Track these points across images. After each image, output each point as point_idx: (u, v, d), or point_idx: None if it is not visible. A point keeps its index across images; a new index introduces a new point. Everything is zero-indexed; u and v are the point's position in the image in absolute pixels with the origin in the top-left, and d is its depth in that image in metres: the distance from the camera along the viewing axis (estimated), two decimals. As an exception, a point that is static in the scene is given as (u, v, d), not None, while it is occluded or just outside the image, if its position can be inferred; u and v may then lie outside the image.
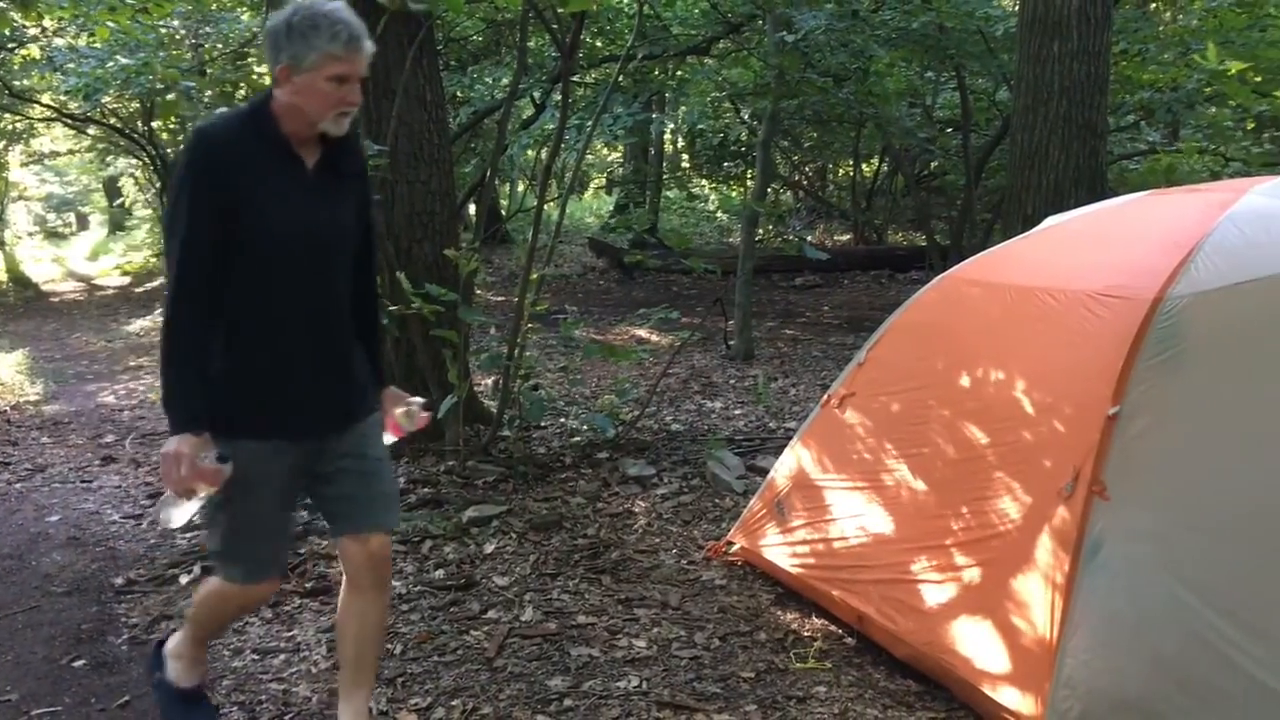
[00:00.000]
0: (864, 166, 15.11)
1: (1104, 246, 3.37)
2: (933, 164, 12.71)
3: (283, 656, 3.27)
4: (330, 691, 3.00)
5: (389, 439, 2.72)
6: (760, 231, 12.09)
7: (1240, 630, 2.45)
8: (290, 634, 3.43)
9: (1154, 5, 11.53)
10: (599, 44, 11.02)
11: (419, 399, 2.78)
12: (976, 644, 2.78)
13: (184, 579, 3.87)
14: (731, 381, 7.03)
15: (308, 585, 3.74)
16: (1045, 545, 2.71)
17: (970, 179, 9.94)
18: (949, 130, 11.41)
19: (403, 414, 2.73)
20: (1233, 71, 7.21)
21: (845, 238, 15.13)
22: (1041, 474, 2.83)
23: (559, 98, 5.38)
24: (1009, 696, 2.62)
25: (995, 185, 10.35)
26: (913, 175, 12.49)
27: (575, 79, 10.50)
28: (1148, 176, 6.52)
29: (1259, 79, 8.66)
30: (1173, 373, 2.70)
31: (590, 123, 6.16)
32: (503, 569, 3.87)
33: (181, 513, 2.39)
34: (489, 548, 4.05)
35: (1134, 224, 3.42)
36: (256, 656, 3.28)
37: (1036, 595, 2.67)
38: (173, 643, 2.82)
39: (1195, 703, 2.45)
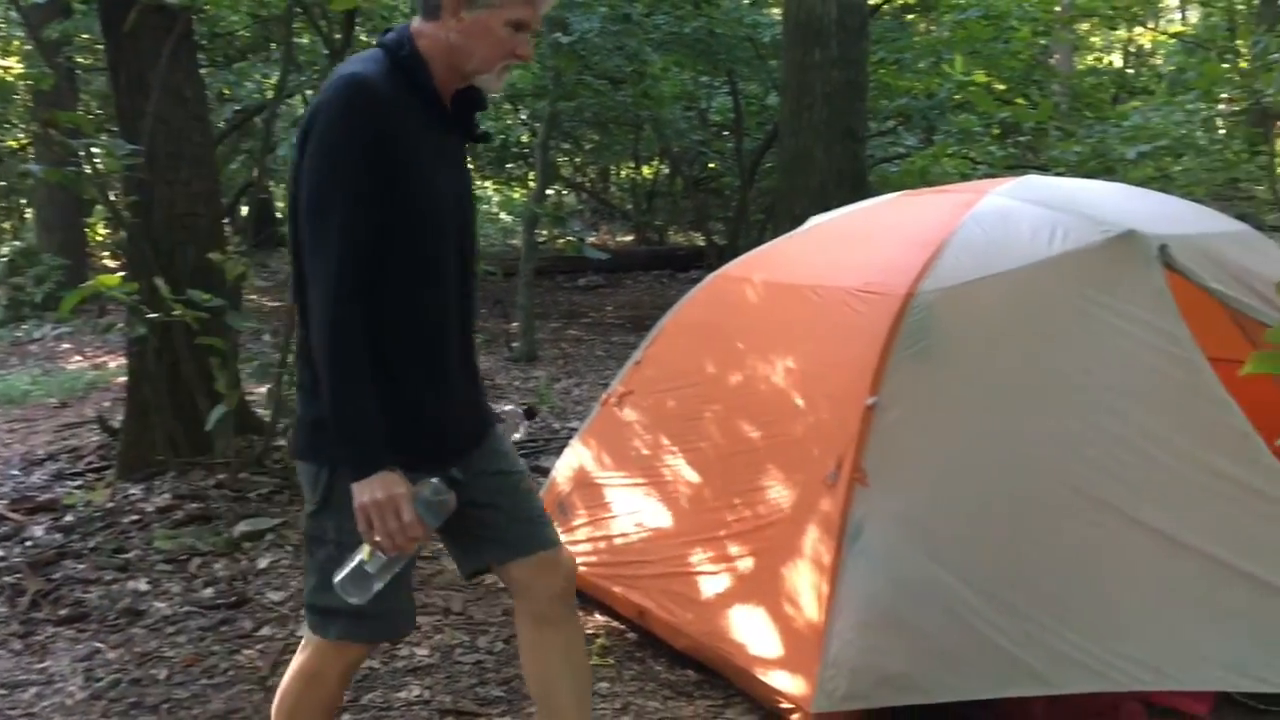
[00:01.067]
0: (644, 169, 15.35)
1: (862, 245, 3.54)
2: (710, 165, 13.04)
3: (34, 690, 3.06)
4: (87, 724, 2.83)
5: None
6: (543, 233, 12.10)
7: (991, 605, 2.62)
8: (43, 665, 3.21)
9: (910, 16, 12.19)
10: (373, 42, 10.77)
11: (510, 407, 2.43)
12: (750, 631, 2.87)
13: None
14: (515, 384, 7.01)
15: (61, 613, 3.51)
16: (812, 532, 2.82)
17: (744, 181, 10.25)
18: (724, 133, 11.73)
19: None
20: (979, 81, 7.74)
21: (628, 238, 15.34)
22: (808, 464, 2.94)
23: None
24: (781, 680, 2.71)
25: (768, 187, 10.70)
26: (691, 177, 12.78)
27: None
28: (904, 178, 6.91)
29: (1003, 87, 9.31)
30: (924, 364, 2.86)
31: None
32: (277, 584, 3.73)
33: (379, 578, 1.91)
34: (263, 562, 3.90)
35: (889, 223, 3.61)
36: (4, 691, 3.05)
37: (805, 581, 2.78)
38: None
39: (951, 675, 2.61)
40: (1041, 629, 2.59)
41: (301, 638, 3.29)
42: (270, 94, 9.66)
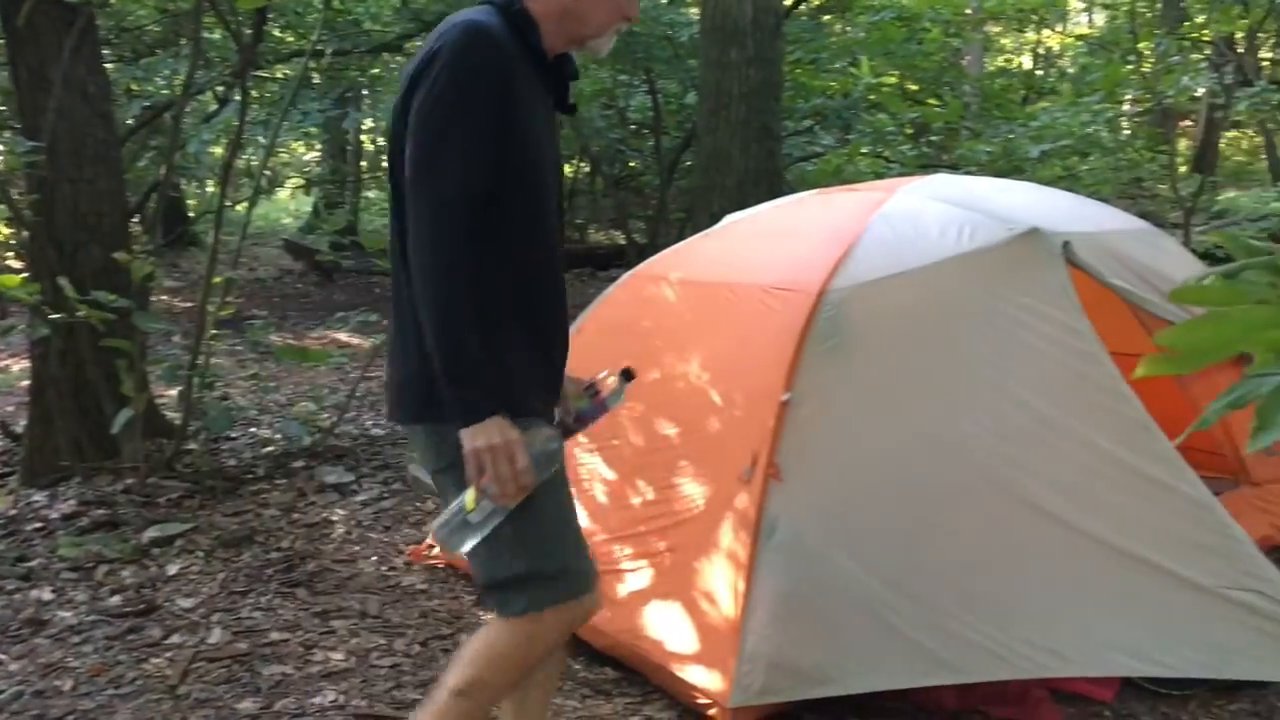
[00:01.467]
0: (564, 167, 15.33)
1: (775, 243, 3.57)
2: (631, 164, 13.05)
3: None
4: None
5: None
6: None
7: (901, 596, 2.66)
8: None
9: (826, 17, 12.33)
10: (288, 38, 10.60)
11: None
12: (668, 628, 2.88)
13: None
14: (434, 383, 6.94)
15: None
16: (728, 529, 2.84)
17: (663, 180, 10.28)
18: (643, 132, 11.76)
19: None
20: (890, 82, 7.86)
21: (548, 237, 15.28)
22: (725, 460, 2.96)
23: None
24: (698, 675, 2.72)
25: (688, 185, 10.75)
26: (611, 176, 12.78)
27: (264, 74, 10.06)
28: (819, 177, 7.00)
29: (916, 88, 9.47)
30: (835, 360, 2.90)
31: (277, 119, 5.91)
32: (188, 590, 3.65)
33: (480, 529, 1.86)
34: (172, 569, 3.81)
35: (802, 222, 3.65)
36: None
37: (721, 577, 2.80)
38: None
39: (865, 667, 2.65)
40: (951, 619, 2.65)
41: (212, 643, 3.25)
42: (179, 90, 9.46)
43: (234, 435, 5.45)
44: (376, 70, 10.79)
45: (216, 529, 4.15)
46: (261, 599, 3.59)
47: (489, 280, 1.90)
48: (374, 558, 3.96)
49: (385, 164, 2.11)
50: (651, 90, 10.15)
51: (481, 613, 3.47)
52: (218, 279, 4.91)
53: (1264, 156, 14.73)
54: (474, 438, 1.83)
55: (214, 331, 4.89)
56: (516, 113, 1.91)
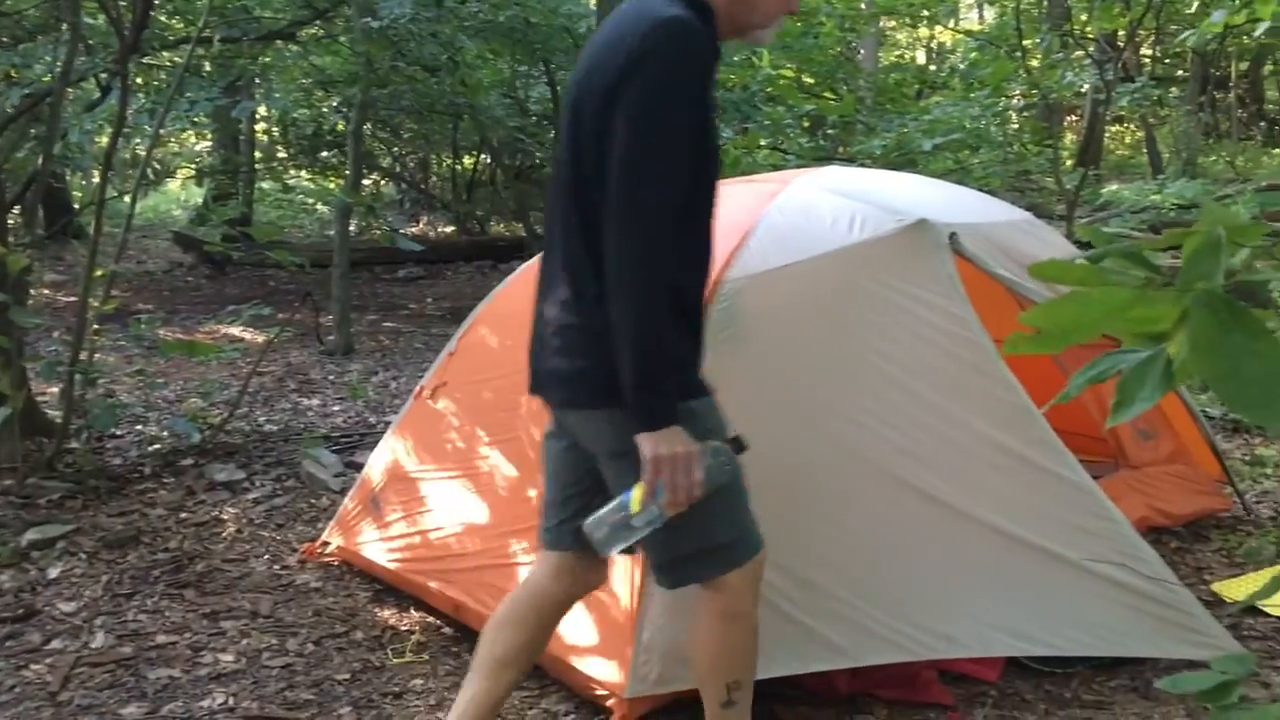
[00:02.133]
0: (465, 159, 15.19)
1: (672, 234, 3.58)
2: (536, 156, 12.99)
3: None
4: None
5: None
6: (364, 223, 11.82)
7: (794, 584, 2.69)
8: None
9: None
10: (176, 23, 10.30)
11: None
12: (566, 620, 2.86)
13: None
14: (330, 378, 6.83)
15: None
16: (625, 519, 2.84)
17: (564, 171, 10.23)
18: (545, 123, 11.71)
19: None
20: (788, 75, 7.94)
21: (448, 229, 15.14)
22: (621, 451, 2.96)
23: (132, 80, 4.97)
24: (596, 667, 2.72)
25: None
26: (512, 167, 12.71)
27: (151, 61, 9.75)
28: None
29: (812, 81, 9.58)
30: (732, 350, 2.91)
31: (163, 107, 5.73)
32: (69, 593, 3.53)
33: (638, 533, 1.93)
34: (53, 572, 3.68)
35: (697, 213, 3.66)
36: None
37: (618, 568, 2.79)
38: None
39: (759, 654, 2.66)
40: (843, 605, 2.69)
41: (95, 648, 3.14)
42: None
43: (119, 433, 5.29)
44: (268, 59, 10.54)
45: (100, 530, 4.02)
46: (147, 601, 3.49)
47: (673, 280, 1.95)
48: (266, 556, 3.88)
49: (560, 145, 2.12)
50: (551, 82, 10.11)
51: (376, 609, 3.42)
52: (100, 272, 4.76)
53: (1145, 150, 15.28)
54: (656, 444, 1.87)
55: (97, 326, 4.74)
56: (712, 107, 1.98)
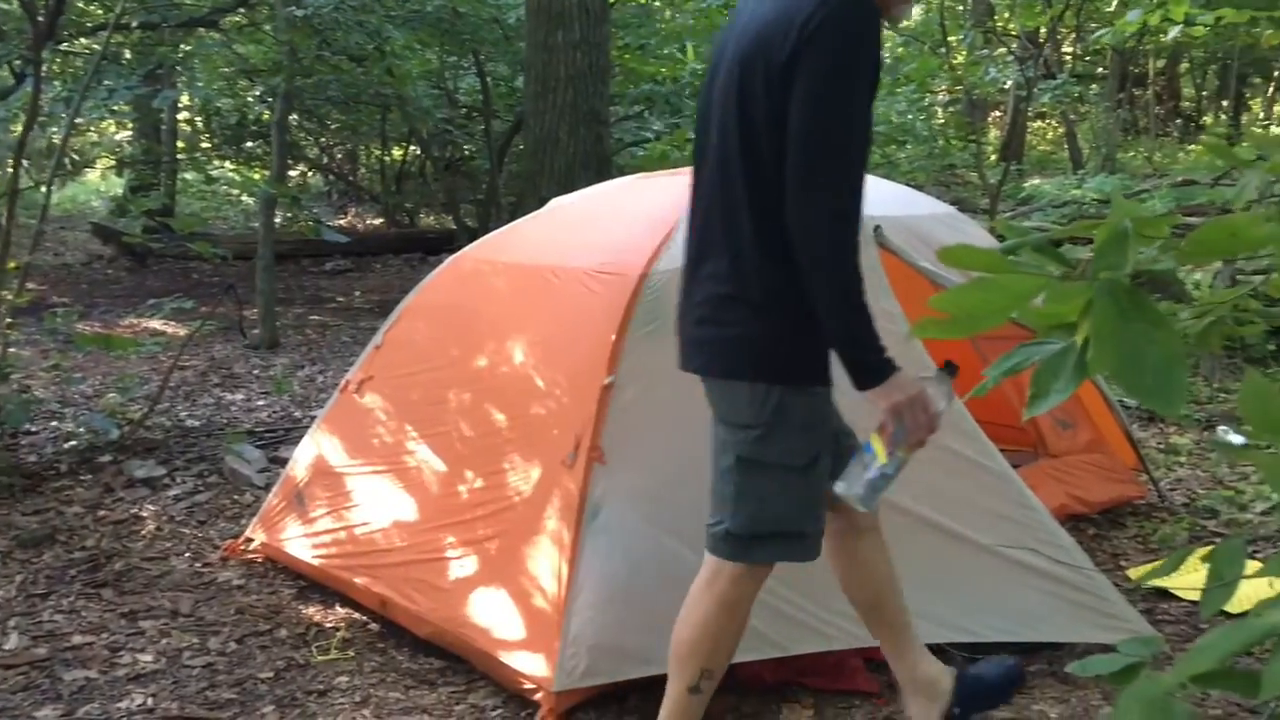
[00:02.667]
0: (394, 150, 15.01)
1: (599, 226, 3.58)
2: (466, 148, 12.88)
3: None
4: None
5: None
6: (289, 215, 11.63)
7: (722, 573, 2.71)
8: None
9: (657, 3, 12.43)
10: (94, 9, 10.05)
11: None
12: (493, 615, 2.86)
13: None
14: (255, 372, 6.72)
15: None
16: (553, 513, 2.83)
17: (494, 163, 10.18)
18: (474, 115, 11.61)
19: None
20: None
21: (377, 221, 14.96)
22: (550, 445, 2.95)
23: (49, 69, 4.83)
24: (523, 661, 2.71)
25: (518, 170, 10.68)
26: (441, 159, 12.58)
27: (67, 48, 9.49)
28: (648, 162, 7.05)
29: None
30: (658, 343, 2.91)
31: (79, 96, 5.58)
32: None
33: (893, 479, 2.07)
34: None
35: (625, 205, 3.66)
36: None
37: (546, 562, 2.79)
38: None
39: (687, 643, 2.68)
40: (771, 595, 2.69)
41: (8, 650, 3.06)
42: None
43: (34, 429, 5.15)
44: (190, 47, 10.32)
45: (15, 529, 3.91)
46: (63, 601, 3.40)
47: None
48: (187, 554, 3.80)
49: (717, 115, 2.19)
50: (480, 72, 10.03)
51: (300, 606, 3.38)
52: (14, 264, 4.63)
53: (1066, 146, 15.59)
54: (890, 394, 2.01)
55: (10, 320, 4.61)
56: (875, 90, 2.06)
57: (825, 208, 1.98)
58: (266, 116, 13.10)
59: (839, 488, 2.11)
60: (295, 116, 11.14)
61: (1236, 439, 4.48)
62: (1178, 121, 19.13)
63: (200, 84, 11.36)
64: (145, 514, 4.16)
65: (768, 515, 2.15)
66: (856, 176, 2.03)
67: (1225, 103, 18.58)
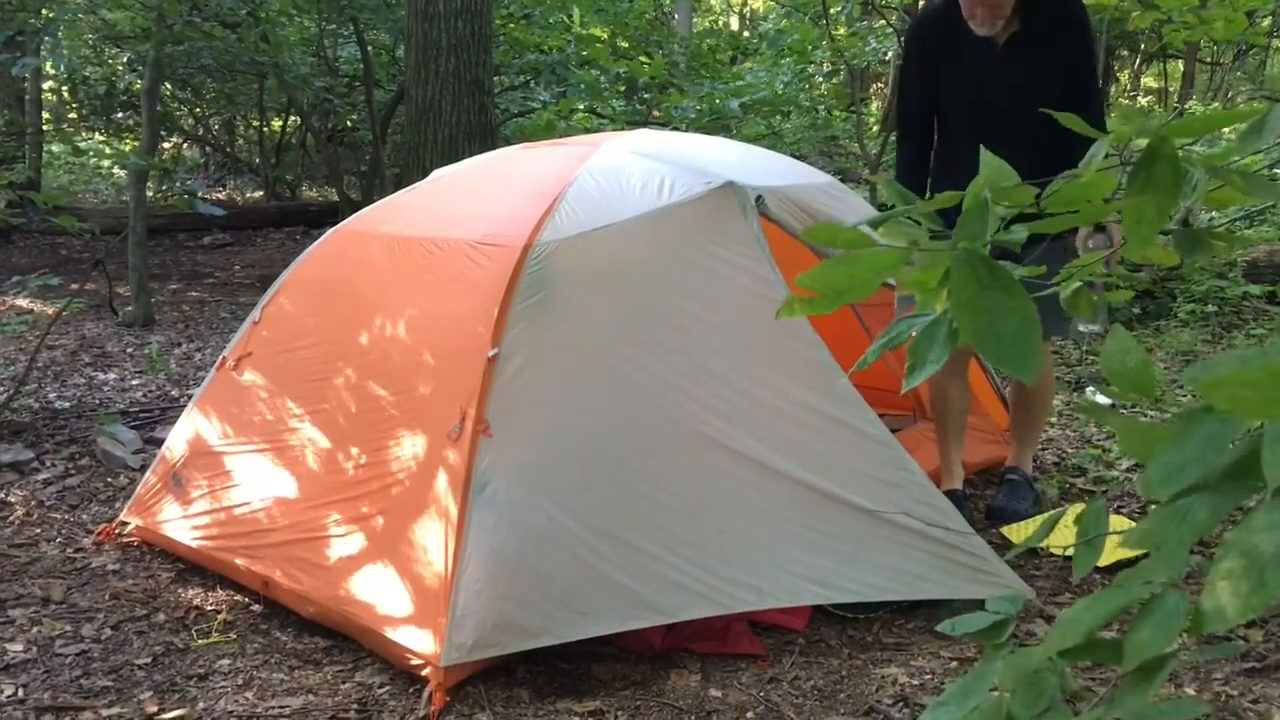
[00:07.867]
0: (274, 121, 14.59)
1: (482, 197, 3.54)
2: (350, 118, 12.59)
3: None
4: None
5: None
6: (162, 187, 11.24)
7: (609, 544, 2.72)
8: None
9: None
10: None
11: None
12: (379, 591, 2.83)
13: None
14: (128, 350, 6.49)
15: None
16: (439, 487, 2.81)
17: (377, 134, 9.98)
18: (356, 84, 11.35)
19: None
20: (601, 36, 7.91)
21: (257, 194, 14.56)
22: (435, 419, 2.92)
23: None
24: (409, 637, 2.69)
25: (403, 141, 10.49)
26: (322, 130, 12.28)
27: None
28: (534, 132, 6.99)
29: (627, 45, 9.59)
30: (543, 314, 2.91)
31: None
32: None
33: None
34: None
35: (508, 176, 3.63)
36: None
37: (433, 536, 2.76)
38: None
39: (576, 616, 2.69)
40: (657, 562, 2.73)
41: None
42: None
43: (-110, 414, 4.90)
44: (51, 12, 9.85)
45: None
46: (-75, 593, 3.26)
47: None
48: (58, 540, 3.67)
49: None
50: (360, 40, 9.81)
51: (179, 589, 3.29)
52: None
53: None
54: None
55: None
56: None
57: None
58: (137, 86, 12.63)
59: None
60: (167, 85, 10.75)
61: (1103, 400, 4.66)
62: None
63: (65, 51, 10.86)
64: (13, 499, 4.00)
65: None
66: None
67: (1095, 75, 19.16)
